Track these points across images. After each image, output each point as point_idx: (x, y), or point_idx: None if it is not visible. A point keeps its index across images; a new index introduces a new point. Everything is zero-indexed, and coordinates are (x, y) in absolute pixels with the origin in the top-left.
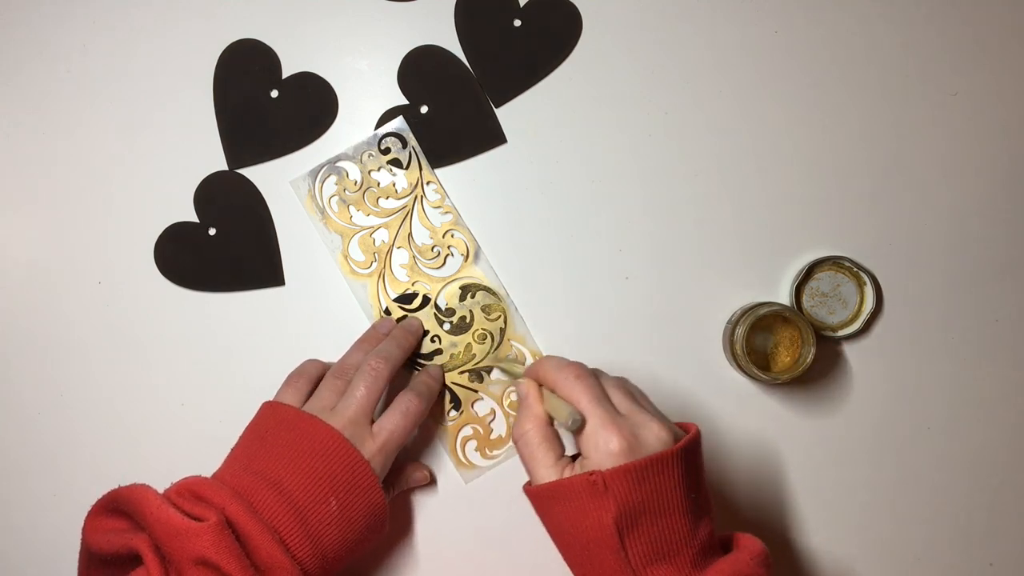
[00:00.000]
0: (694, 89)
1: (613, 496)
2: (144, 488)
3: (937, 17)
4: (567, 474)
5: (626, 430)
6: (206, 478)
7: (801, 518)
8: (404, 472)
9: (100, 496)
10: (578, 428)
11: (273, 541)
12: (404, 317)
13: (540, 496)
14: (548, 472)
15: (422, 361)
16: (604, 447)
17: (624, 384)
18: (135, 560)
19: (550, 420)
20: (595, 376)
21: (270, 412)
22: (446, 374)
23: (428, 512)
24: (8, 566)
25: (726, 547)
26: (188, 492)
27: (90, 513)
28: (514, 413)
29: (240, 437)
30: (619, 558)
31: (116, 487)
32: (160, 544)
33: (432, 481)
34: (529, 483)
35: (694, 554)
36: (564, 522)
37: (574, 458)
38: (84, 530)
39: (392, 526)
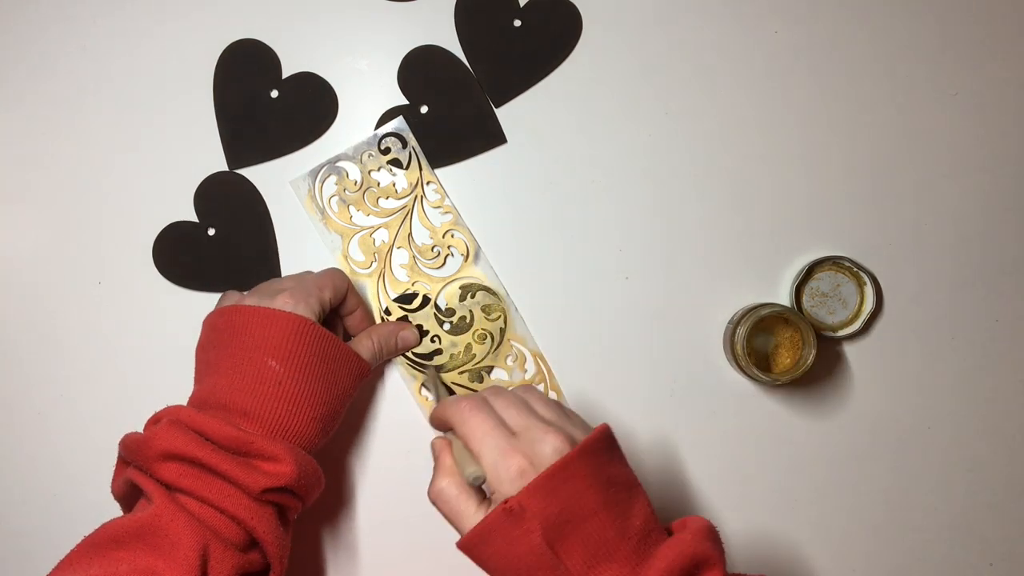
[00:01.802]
0: (694, 89)
1: (532, 515)
2: (128, 432)
3: (937, 17)
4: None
5: (522, 450)
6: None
7: (801, 518)
8: (392, 334)
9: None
10: (483, 481)
11: (222, 422)
12: (404, 317)
13: (471, 546)
14: (472, 520)
15: (422, 361)
16: (507, 475)
17: (522, 397)
18: (140, 492)
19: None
20: (487, 403)
21: (204, 325)
22: (446, 374)
23: (428, 512)
24: (8, 566)
25: (672, 534)
26: (149, 421)
27: (114, 472)
28: None
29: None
30: (561, 573)
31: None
32: (133, 461)
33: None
34: (460, 541)
35: (633, 547)
36: (500, 560)
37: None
38: (111, 487)
39: (392, 526)
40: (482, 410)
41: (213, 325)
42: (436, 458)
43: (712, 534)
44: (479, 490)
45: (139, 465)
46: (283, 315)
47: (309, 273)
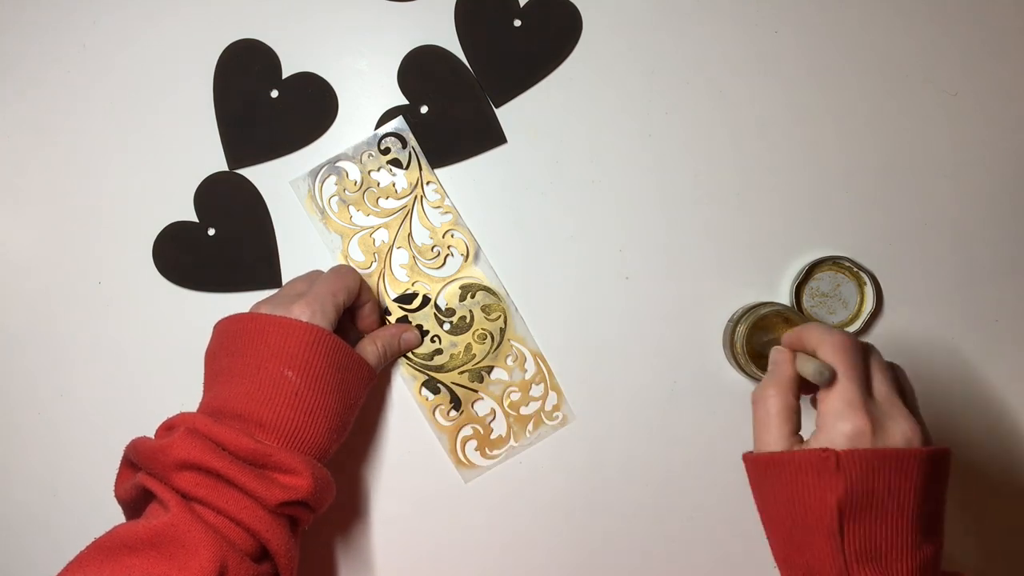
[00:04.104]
0: (694, 89)
1: (844, 477)
2: (137, 437)
3: (938, 17)
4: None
5: (872, 414)
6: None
7: None
8: (395, 337)
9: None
10: (827, 382)
11: (240, 433)
12: (404, 318)
13: (760, 465)
14: (777, 442)
15: (421, 362)
16: (843, 425)
17: (892, 371)
18: (150, 498)
19: (798, 393)
20: (863, 352)
21: (214, 331)
22: (446, 374)
23: (428, 511)
24: (9, 566)
25: None
26: (162, 428)
27: (117, 475)
28: (515, 413)
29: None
30: (834, 543)
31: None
32: (147, 468)
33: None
34: (750, 452)
35: (912, 568)
36: (781, 495)
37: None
38: (114, 490)
39: (392, 526)
40: (855, 352)
41: (226, 331)
42: (775, 364)
43: None
44: (798, 418)
45: (154, 472)
46: (300, 325)
47: (319, 273)
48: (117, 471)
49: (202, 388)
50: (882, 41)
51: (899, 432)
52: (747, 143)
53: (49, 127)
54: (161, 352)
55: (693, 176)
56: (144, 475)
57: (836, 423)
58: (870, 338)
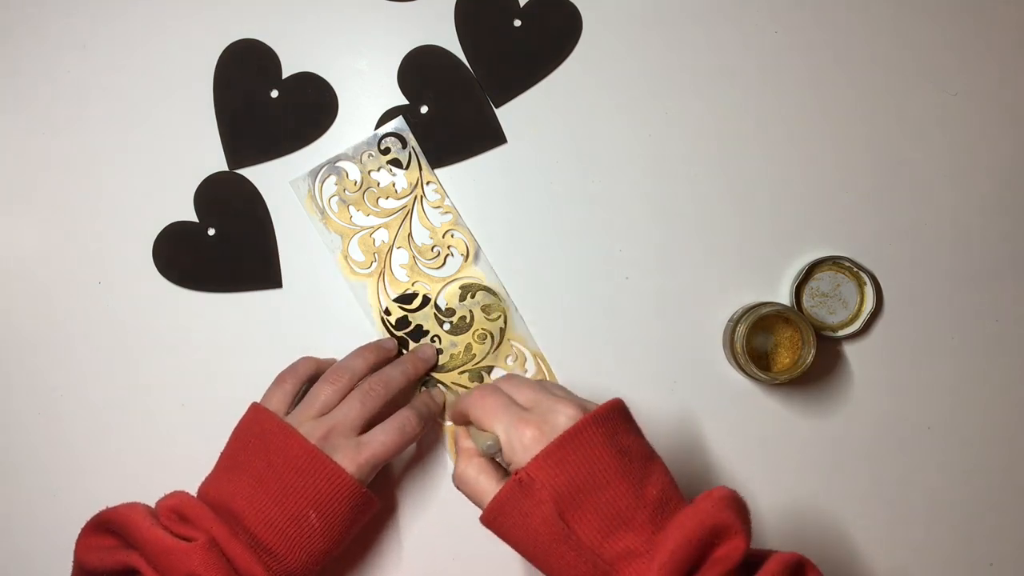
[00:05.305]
0: (694, 89)
1: (542, 485)
2: (132, 508)
3: (938, 17)
4: None
5: (534, 420)
6: (191, 497)
7: (800, 518)
8: (425, 395)
9: (91, 516)
10: (497, 449)
11: (254, 560)
12: (404, 318)
13: (490, 520)
14: (492, 497)
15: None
16: (519, 445)
17: (532, 382)
18: (126, 574)
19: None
20: (498, 387)
21: (253, 419)
22: (446, 374)
23: (428, 512)
24: (8, 566)
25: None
26: (174, 514)
27: (82, 533)
28: None
29: (227, 442)
30: (573, 544)
31: (105, 508)
32: (152, 562)
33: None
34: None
35: (650, 515)
36: (517, 532)
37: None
38: (76, 549)
39: (391, 526)
40: (493, 392)
41: (264, 432)
42: (457, 443)
43: (735, 503)
44: (499, 468)
45: (159, 567)
46: (340, 479)
47: (362, 362)
48: (84, 530)
49: (218, 463)
50: (882, 41)
51: (562, 417)
52: (747, 143)
53: (49, 127)
54: (161, 352)
55: (693, 176)
56: (148, 567)
57: (513, 449)
58: (870, 338)
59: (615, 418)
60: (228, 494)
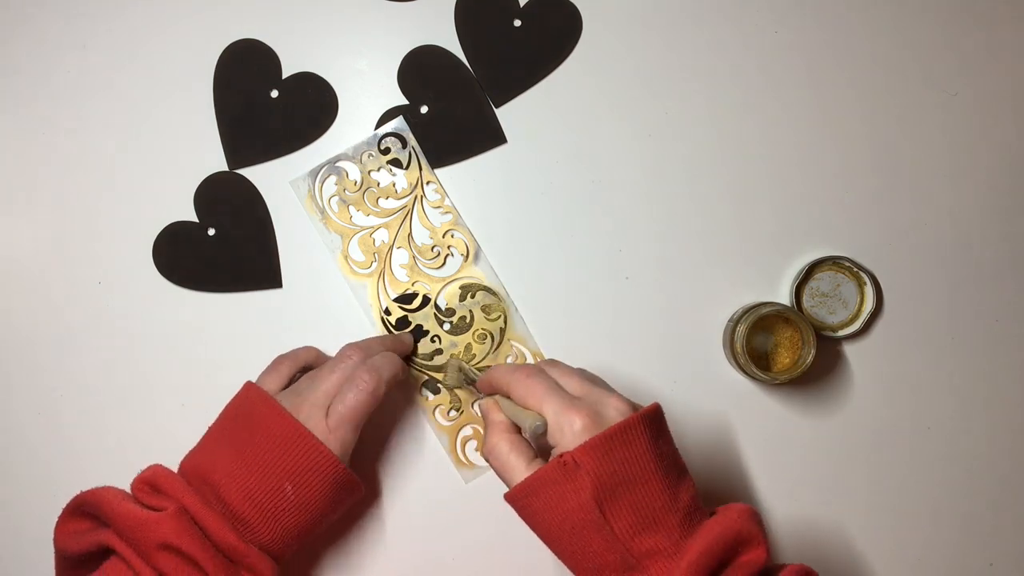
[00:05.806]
0: (694, 89)
1: (586, 472)
2: (104, 488)
3: (938, 17)
4: None
5: (585, 409)
6: (165, 468)
7: (800, 518)
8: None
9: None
10: (543, 430)
11: (227, 527)
12: (404, 317)
13: (518, 496)
14: (523, 475)
15: (421, 361)
16: (568, 430)
17: (577, 370)
18: (104, 556)
19: (516, 428)
20: (545, 371)
21: (244, 395)
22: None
23: (428, 512)
24: (8, 566)
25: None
26: (147, 485)
27: (59, 520)
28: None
29: (218, 416)
30: (605, 534)
31: (79, 492)
32: (125, 535)
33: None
34: (508, 491)
35: (680, 519)
36: (546, 514)
37: (546, 458)
38: (55, 536)
39: (392, 526)
40: (539, 374)
41: (251, 405)
42: (486, 416)
43: (756, 517)
44: (530, 448)
45: (135, 544)
46: (318, 452)
47: (360, 353)
48: (61, 517)
49: (204, 436)
50: (882, 41)
51: (612, 410)
52: (747, 142)
53: (49, 127)
54: (161, 352)
55: (693, 176)
56: (120, 542)
57: (561, 433)
58: (870, 338)
59: (660, 422)
60: (208, 464)
